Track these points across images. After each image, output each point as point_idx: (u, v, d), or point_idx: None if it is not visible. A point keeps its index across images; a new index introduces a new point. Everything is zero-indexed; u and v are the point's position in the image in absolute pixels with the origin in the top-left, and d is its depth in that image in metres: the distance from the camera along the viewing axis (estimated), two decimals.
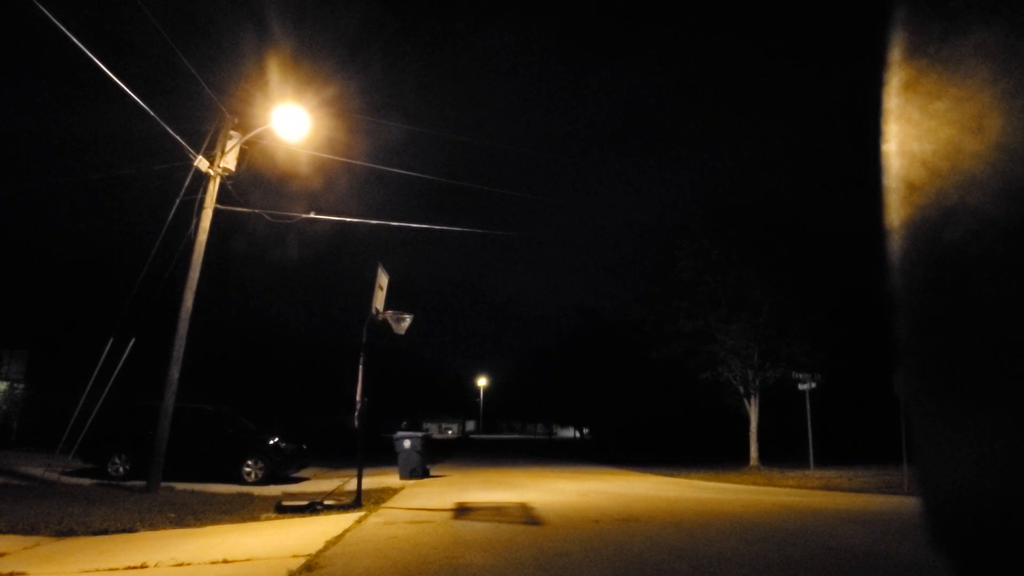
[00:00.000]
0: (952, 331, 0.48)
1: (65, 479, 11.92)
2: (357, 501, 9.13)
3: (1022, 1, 0.45)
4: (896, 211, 0.52)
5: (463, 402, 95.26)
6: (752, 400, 20.14)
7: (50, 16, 7.88)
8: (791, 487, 13.28)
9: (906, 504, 9.69)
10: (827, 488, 12.96)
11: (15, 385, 23.67)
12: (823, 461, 18.17)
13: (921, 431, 0.50)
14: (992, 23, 0.46)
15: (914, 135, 0.51)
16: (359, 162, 15.88)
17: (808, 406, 17.40)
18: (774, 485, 13.72)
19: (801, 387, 17.86)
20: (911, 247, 0.50)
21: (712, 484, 14.04)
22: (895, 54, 0.53)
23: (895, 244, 0.51)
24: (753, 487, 13.33)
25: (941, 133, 0.49)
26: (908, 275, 0.50)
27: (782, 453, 21.00)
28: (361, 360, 9.81)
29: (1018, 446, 0.44)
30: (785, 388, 19.26)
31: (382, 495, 10.64)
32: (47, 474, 12.00)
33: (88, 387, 10.94)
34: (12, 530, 6.56)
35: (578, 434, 63.64)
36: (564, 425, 77.96)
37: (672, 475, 16.73)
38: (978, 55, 0.47)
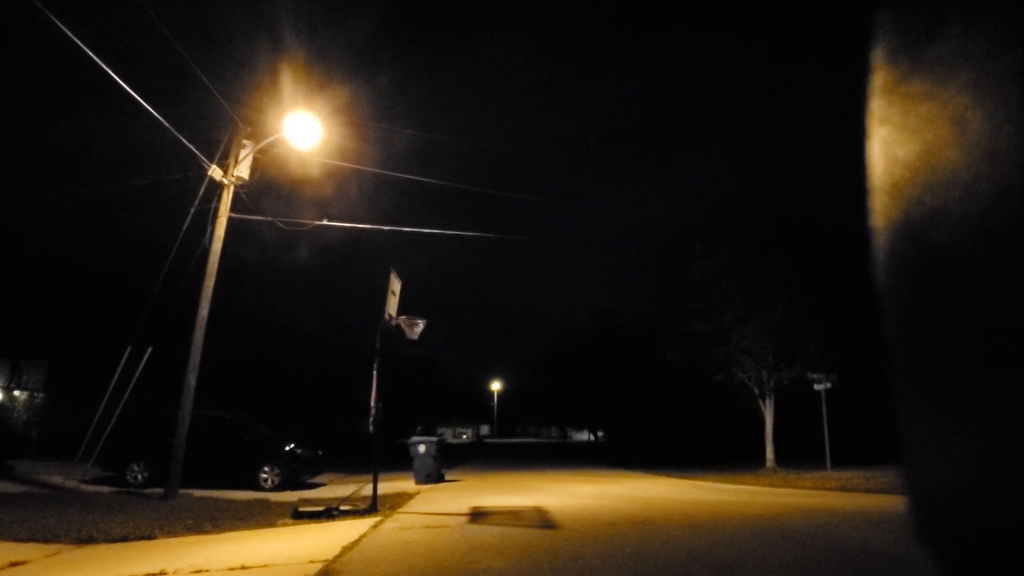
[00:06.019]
0: (937, 330, 0.48)
1: (85, 487, 12.06)
2: (373, 506, 9.16)
3: (1003, 9, 0.46)
4: (881, 212, 0.52)
5: (477, 406, 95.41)
6: (767, 401, 20.00)
7: (68, 32, 8.01)
8: (808, 488, 13.15)
9: None
10: (845, 489, 12.80)
11: (35, 394, 24.01)
12: (841, 462, 17.98)
13: (907, 429, 0.51)
14: (974, 29, 0.46)
15: (897, 138, 0.51)
16: (370, 168, 15.93)
17: (824, 406, 17.24)
18: (791, 487, 13.60)
19: (817, 387, 17.73)
20: (896, 247, 0.51)
21: (728, 486, 13.94)
22: (878, 57, 0.53)
23: (880, 244, 0.52)
24: (770, 489, 13.22)
25: (923, 136, 0.49)
26: (893, 275, 0.51)
27: (799, 454, 20.80)
28: (375, 365, 9.85)
29: (1002, 443, 0.45)
30: (801, 389, 19.10)
31: (398, 500, 10.67)
32: (67, 482, 12.16)
33: (106, 396, 11.08)
34: (33, 538, 6.65)
35: (593, 437, 63.38)
36: (579, 428, 77.67)
37: (688, 477, 16.63)
38: (959, 60, 0.47)
